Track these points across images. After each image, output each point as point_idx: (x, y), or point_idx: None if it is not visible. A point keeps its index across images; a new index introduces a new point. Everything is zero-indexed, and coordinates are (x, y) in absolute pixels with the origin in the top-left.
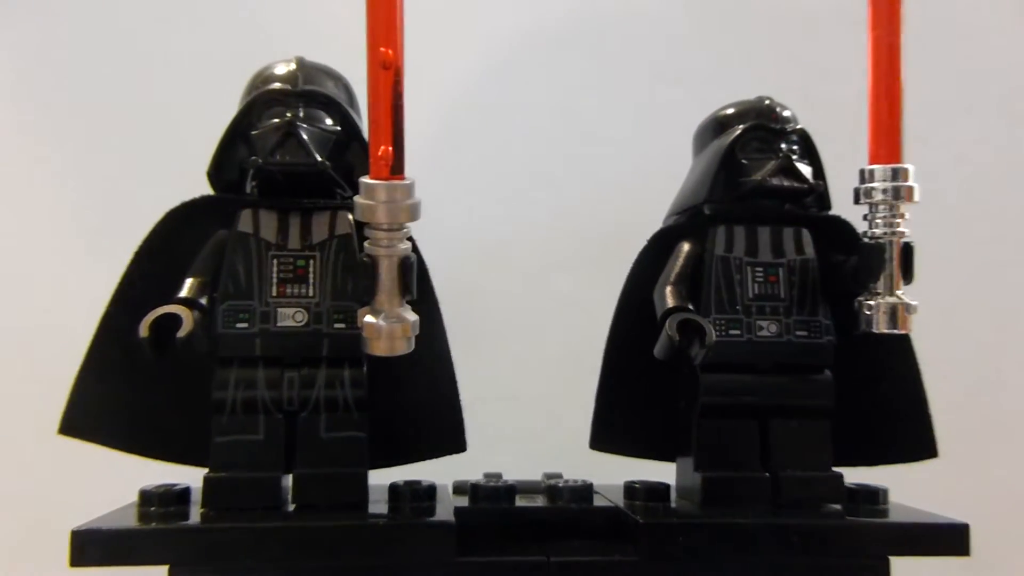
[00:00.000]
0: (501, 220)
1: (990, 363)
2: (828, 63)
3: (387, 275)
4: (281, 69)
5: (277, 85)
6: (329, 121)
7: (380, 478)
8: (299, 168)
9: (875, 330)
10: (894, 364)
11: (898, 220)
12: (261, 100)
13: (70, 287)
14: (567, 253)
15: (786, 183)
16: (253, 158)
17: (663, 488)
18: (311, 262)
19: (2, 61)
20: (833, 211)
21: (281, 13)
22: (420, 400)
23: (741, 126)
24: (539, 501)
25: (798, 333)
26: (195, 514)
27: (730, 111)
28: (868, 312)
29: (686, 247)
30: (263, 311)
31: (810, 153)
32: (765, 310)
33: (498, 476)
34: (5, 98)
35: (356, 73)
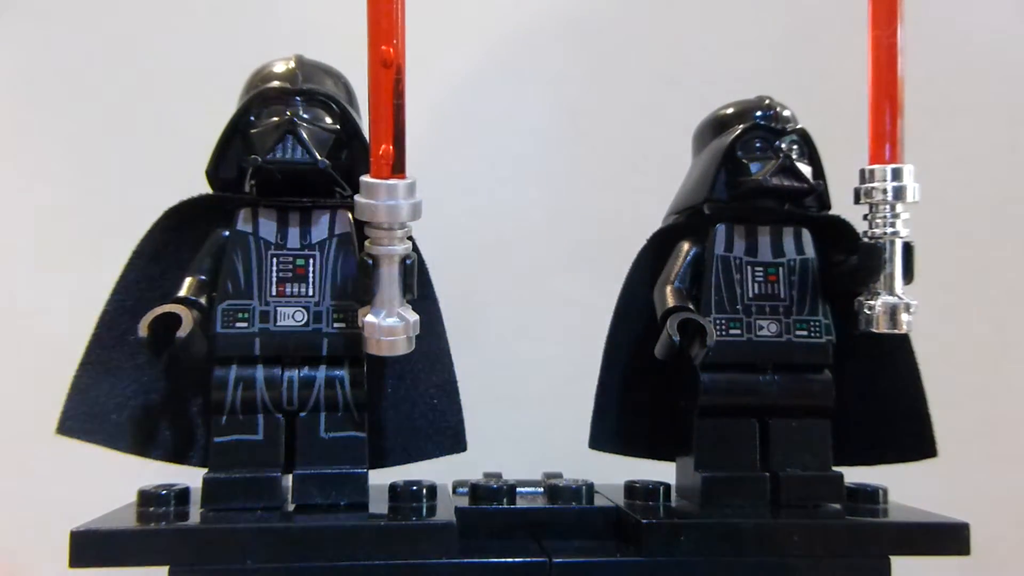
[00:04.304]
0: (501, 220)
1: (990, 363)
2: (828, 63)
3: (387, 274)
4: (280, 67)
5: (276, 83)
6: (329, 120)
7: (380, 478)
8: (298, 167)
9: (875, 330)
10: (893, 364)
11: (898, 220)
12: (260, 98)
13: (69, 286)
14: (567, 253)
15: (786, 183)
16: (252, 156)
17: (663, 488)
18: (311, 261)
19: (1, 61)
20: (833, 211)
21: (281, 12)
22: (420, 400)
23: (741, 126)
24: (539, 501)
25: (798, 333)
26: (195, 514)
27: (730, 111)
28: (868, 312)
29: (686, 246)
30: (263, 310)
31: (810, 153)
32: (765, 310)
33: (498, 476)
34: (4, 98)
35: (357, 71)
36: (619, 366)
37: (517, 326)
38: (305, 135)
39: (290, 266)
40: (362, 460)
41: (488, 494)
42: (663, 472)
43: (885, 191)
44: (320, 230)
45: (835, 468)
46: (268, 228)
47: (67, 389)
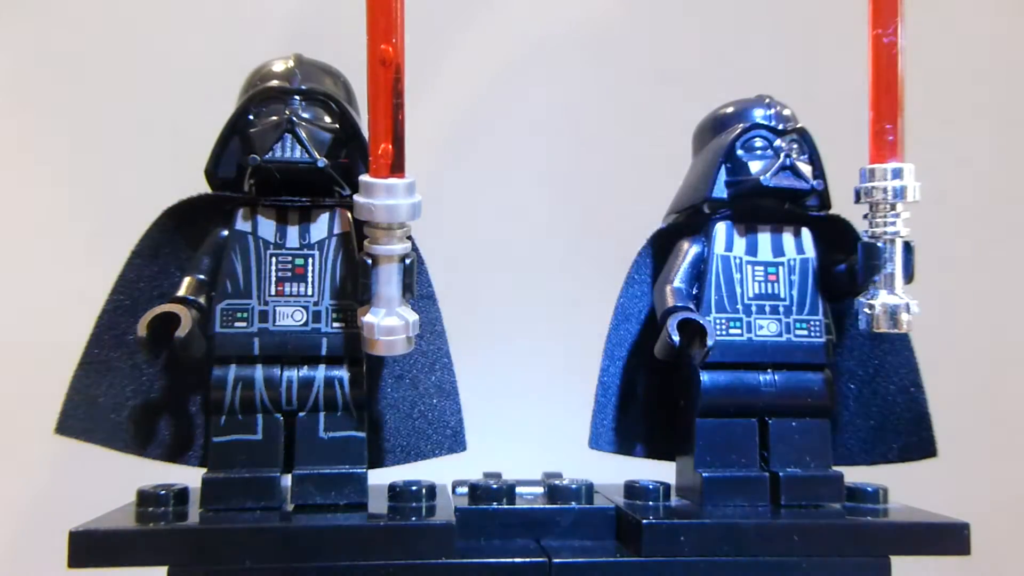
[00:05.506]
0: (501, 219)
1: (990, 363)
2: (828, 63)
3: (386, 274)
4: (279, 66)
5: (275, 82)
6: (328, 119)
7: (380, 478)
8: (298, 166)
9: (875, 329)
10: (894, 363)
11: (898, 219)
12: (259, 97)
13: (69, 286)
14: (567, 253)
15: (786, 182)
16: (251, 156)
17: (663, 488)
18: (310, 261)
19: (1, 60)
20: (833, 210)
21: (280, 11)
22: (419, 400)
23: (741, 125)
24: (539, 501)
25: (798, 332)
26: (194, 514)
27: (730, 110)
28: (868, 311)
29: (686, 246)
30: (262, 310)
31: (810, 152)
32: (765, 309)
33: (498, 476)
34: (4, 98)
35: (357, 71)
36: (619, 366)
37: (517, 326)
38: (304, 134)
39: (289, 266)
40: (361, 460)
41: (488, 494)
42: (663, 472)
43: (885, 190)
44: (319, 229)
45: (835, 468)
46: (267, 227)
47: (66, 389)
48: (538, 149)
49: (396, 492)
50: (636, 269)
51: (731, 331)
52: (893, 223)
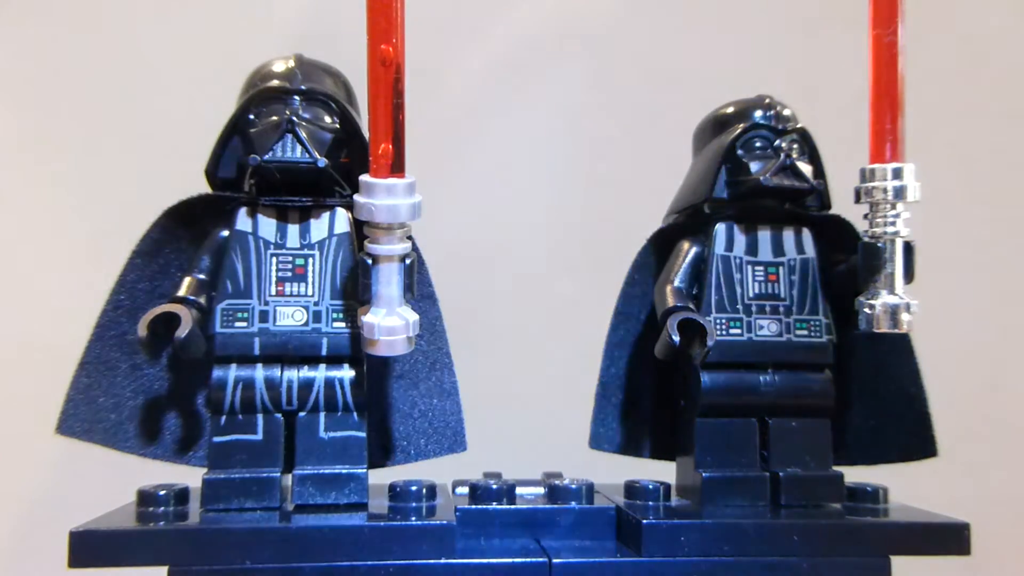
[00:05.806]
0: (502, 220)
1: (990, 362)
2: (828, 63)
3: (386, 274)
4: (279, 66)
5: (275, 82)
6: (328, 119)
7: (380, 478)
8: (298, 166)
9: (875, 329)
10: (894, 363)
11: (898, 219)
12: (259, 97)
13: (69, 286)
14: (567, 254)
15: (787, 182)
16: (251, 156)
17: (664, 488)
18: (310, 261)
19: (1, 61)
20: (833, 210)
21: (281, 11)
22: (420, 400)
23: (741, 125)
24: (539, 501)
25: (798, 332)
26: (194, 514)
27: (730, 110)
28: (868, 311)
29: (686, 246)
30: (262, 310)
31: (810, 152)
32: (765, 309)
33: (498, 475)
34: (4, 98)
35: (357, 71)
36: (619, 366)
37: (517, 326)
38: (304, 134)
39: (289, 265)
40: (362, 460)
41: (488, 494)
42: (663, 472)
43: (886, 190)
44: (319, 229)
45: (835, 468)
46: (267, 227)
47: (66, 389)
48: (538, 149)
49: (396, 492)
50: (636, 269)
51: (731, 331)
52: (893, 223)
